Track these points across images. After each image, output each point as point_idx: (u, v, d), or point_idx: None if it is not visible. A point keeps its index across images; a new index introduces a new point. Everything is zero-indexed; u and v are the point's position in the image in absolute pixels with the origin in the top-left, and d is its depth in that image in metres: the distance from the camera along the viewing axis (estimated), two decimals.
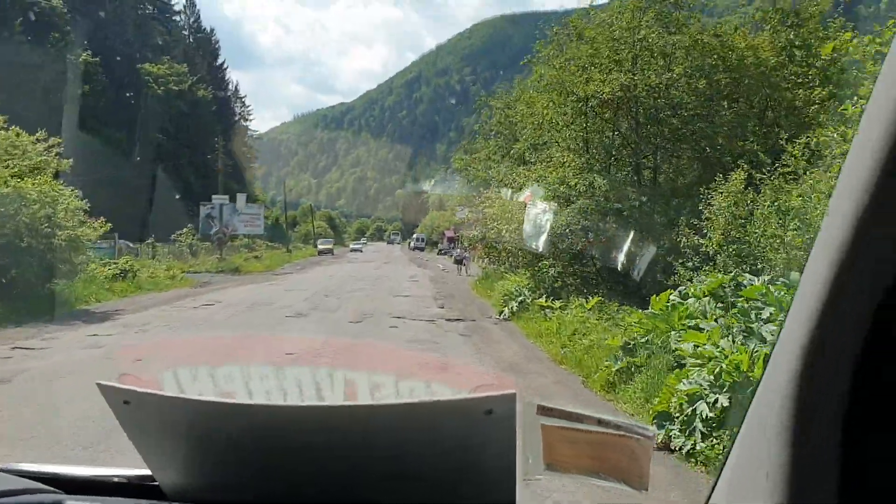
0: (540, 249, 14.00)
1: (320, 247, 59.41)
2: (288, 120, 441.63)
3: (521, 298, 14.96)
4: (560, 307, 13.04)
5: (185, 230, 40.41)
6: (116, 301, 18.73)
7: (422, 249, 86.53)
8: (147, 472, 1.21)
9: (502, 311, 15.03)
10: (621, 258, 12.17)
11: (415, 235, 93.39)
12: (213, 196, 51.46)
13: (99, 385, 1.10)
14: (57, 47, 52.10)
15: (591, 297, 12.64)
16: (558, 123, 15.45)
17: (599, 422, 0.98)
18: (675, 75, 13.11)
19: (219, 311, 15.77)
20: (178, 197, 48.11)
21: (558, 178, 14.10)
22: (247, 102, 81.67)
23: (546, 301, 13.48)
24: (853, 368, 0.71)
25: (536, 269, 15.58)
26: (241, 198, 53.98)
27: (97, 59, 57.87)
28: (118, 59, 62.40)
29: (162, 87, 62.60)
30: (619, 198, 13.21)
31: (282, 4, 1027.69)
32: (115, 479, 1.25)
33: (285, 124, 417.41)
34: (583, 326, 11.59)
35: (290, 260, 46.27)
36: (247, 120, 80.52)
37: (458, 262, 32.45)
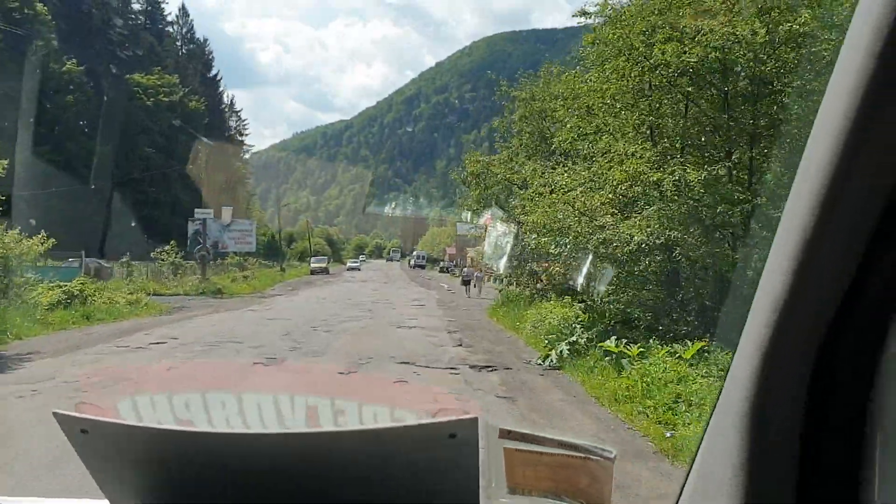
0: (604, 271, 10.08)
1: (313, 265, 53.94)
2: (287, 137, 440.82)
3: (572, 338, 11.02)
4: (638, 353, 9.15)
5: (167, 247, 36.66)
6: (48, 336, 14.79)
7: (423, 267, 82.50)
8: (105, 502, 1.17)
9: (547, 356, 11.05)
10: (736, 284, 8.26)
11: (415, 253, 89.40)
12: (197, 210, 47.80)
13: (55, 413, 1.05)
14: (38, 55, 48.40)
15: (688, 341, 8.75)
16: (615, 105, 11.65)
17: (560, 444, 0.98)
18: (796, 26, 9.26)
19: (165, 354, 11.78)
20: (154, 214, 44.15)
21: (627, 174, 10.25)
22: (242, 117, 77.93)
23: (616, 345, 9.54)
24: (809, 371, 0.75)
25: (589, 295, 11.70)
26: (226, 211, 50.26)
27: (82, 67, 54.59)
28: (105, 68, 59.08)
29: (151, 99, 59.41)
30: (719, 200, 9.34)
31: (282, 23, 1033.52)
32: None
33: (284, 141, 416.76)
34: (686, 389, 7.70)
35: (282, 279, 42.43)
36: (242, 135, 77.33)
37: (466, 282, 28.58)
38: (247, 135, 78.63)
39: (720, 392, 0.89)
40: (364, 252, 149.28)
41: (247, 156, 79.95)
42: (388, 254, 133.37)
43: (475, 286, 27.13)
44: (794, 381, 0.76)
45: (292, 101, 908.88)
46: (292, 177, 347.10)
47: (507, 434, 0.99)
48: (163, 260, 35.50)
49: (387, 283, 38.58)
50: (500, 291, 22.32)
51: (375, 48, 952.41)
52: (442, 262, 70.69)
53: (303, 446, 1.00)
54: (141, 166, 54.90)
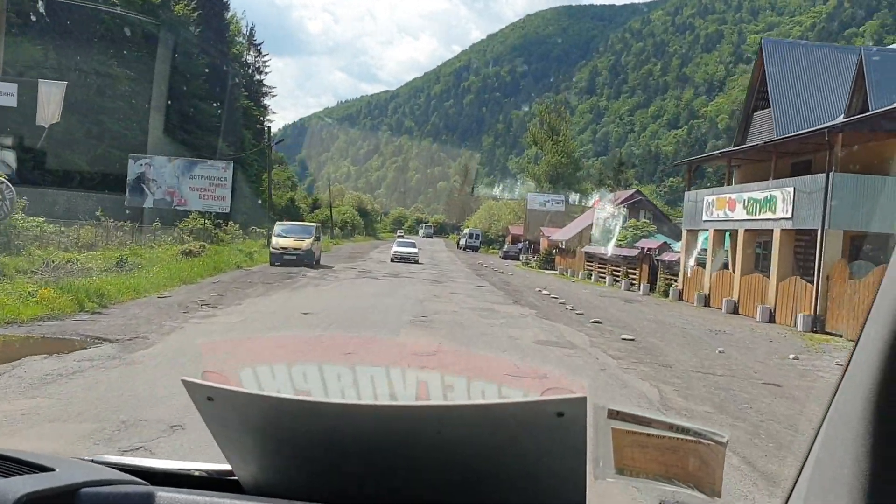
0: None
1: (277, 243, 27.49)
2: (331, 105, 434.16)
3: None
4: None
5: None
6: None
7: (476, 249, 71.63)
8: (225, 467, 1.23)
9: None
10: None
11: (467, 231, 76.88)
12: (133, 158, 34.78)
13: (184, 381, 1.10)
14: None
15: None
16: None
17: (670, 426, 0.97)
18: None
19: None
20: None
21: None
22: (263, 51, 68.30)
23: None
24: None
25: None
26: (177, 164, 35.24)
27: None
28: None
29: None
30: None
31: None
32: (196, 474, 1.26)
33: (328, 109, 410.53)
34: None
35: (234, 265, 25.01)
36: (261, 73, 68.07)
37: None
38: (267, 72, 69.22)
39: (840, 379, 0.85)
40: (403, 227, 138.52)
41: (267, 101, 69.69)
42: (425, 230, 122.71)
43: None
44: None
45: (338, 71, 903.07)
46: (335, 145, 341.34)
47: (615, 415, 0.97)
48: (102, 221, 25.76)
49: (439, 283, 23.64)
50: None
51: (424, 21, 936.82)
52: (507, 247, 60.36)
53: (413, 418, 1.03)
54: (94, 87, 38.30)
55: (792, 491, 0.97)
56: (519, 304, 18.11)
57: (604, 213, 37.20)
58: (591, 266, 35.49)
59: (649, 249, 28.19)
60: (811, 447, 0.93)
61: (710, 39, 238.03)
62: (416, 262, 35.24)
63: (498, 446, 1.01)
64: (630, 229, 32.03)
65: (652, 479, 0.99)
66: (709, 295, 22.32)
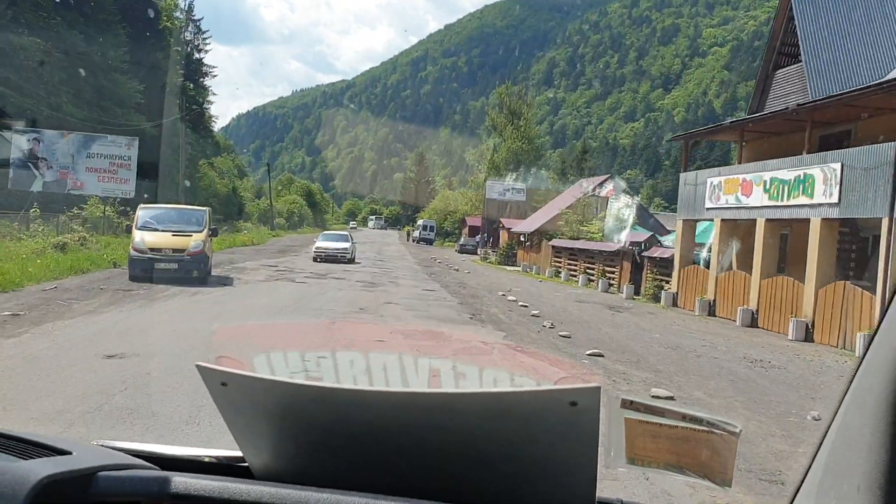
0: None
1: (140, 242, 16.17)
2: (286, 95, 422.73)
3: None
4: None
5: None
6: None
7: (430, 242, 66.09)
8: (236, 453, 1.22)
9: None
10: None
11: (420, 223, 70.60)
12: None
13: (198, 366, 1.09)
14: None
15: None
16: None
17: (683, 417, 0.97)
18: None
19: None
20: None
21: None
22: (203, 28, 62.02)
23: None
24: None
25: None
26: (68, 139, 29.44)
27: None
28: None
29: None
30: None
31: None
32: (206, 460, 1.26)
33: (283, 99, 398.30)
34: None
35: (110, 262, 19.12)
36: (200, 51, 61.68)
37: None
38: (207, 50, 62.84)
39: (855, 371, 0.85)
40: (355, 218, 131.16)
41: (208, 82, 63.37)
42: (375, 221, 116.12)
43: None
44: None
45: (294, 60, 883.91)
46: (289, 135, 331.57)
47: (628, 404, 0.98)
48: None
49: (375, 286, 18.56)
50: None
51: (380, 11, 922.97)
52: (463, 240, 54.85)
53: (425, 406, 1.03)
54: None
55: (799, 489, 0.96)
56: (479, 319, 13.13)
57: (584, 200, 32.53)
58: (560, 262, 30.89)
59: (633, 243, 23.63)
60: (819, 447, 0.92)
61: (666, 33, 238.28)
62: (351, 260, 27.05)
63: (509, 435, 1.00)
64: (612, 219, 27.42)
65: (663, 469, 0.99)
66: (714, 301, 17.86)
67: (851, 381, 0.86)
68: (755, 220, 16.48)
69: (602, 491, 1.06)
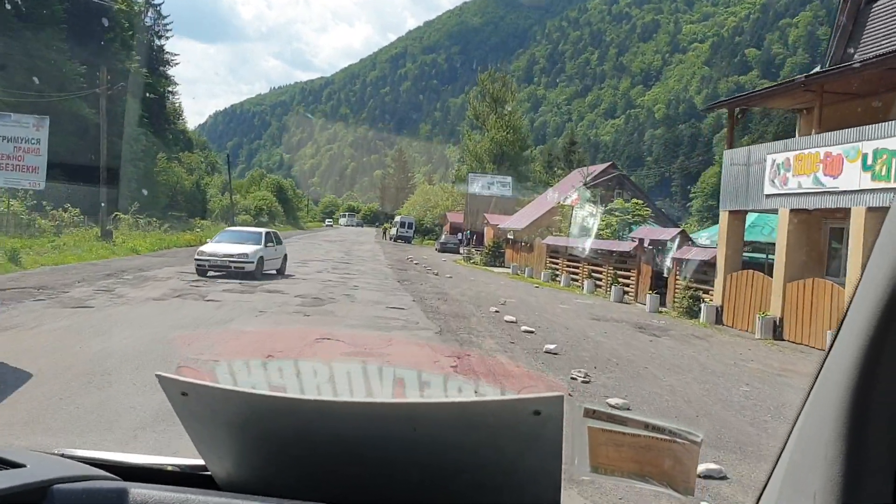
0: None
1: None
2: (264, 92, 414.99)
3: None
4: None
5: None
6: None
7: (409, 240, 61.42)
8: (199, 462, 1.21)
9: None
10: None
11: (398, 219, 65.15)
12: None
13: (158, 376, 1.08)
14: None
15: None
16: None
17: (646, 425, 0.98)
18: None
19: None
20: None
21: None
22: (164, 13, 56.85)
23: None
24: None
25: None
26: None
27: None
28: None
29: None
30: None
31: None
32: (169, 468, 1.24)
33: (261, 96, 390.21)
34: None
35: None
36: (161, 37, 56.41)
37: None
38: (169, 37, 57.59)
39: (814, 381, 0.84)
40: (332, 216, 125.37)
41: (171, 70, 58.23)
42: (347, 218, 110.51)
43: None
44: None
45: (271, 57, 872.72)
46: (267, 132, 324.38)
47: (591, 413, 0.98)
48: None
49: (322, 302, 13.50)
50: None
51: (358, 8, 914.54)
52: (444, 238, 49.44)
53: (389, 415, 1.02)
54: None
55: (762, 492, 0.97)
56: (470, 368, 8.30)
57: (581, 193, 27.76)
58: (557, 263, 26.24)
59: (653, 242, 18.98)
60: (782, 450, 0.92)
61: (646, 29, 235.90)
62: (260, 273, 17.94)
63: (474, 444, 1.00)
64: (617, 213, 22.67)
65: (627, 477, 0.99)
66: (781, 320, 13.28)
67: (810, 391, 0.83)
68: (847, 210, 11.91)
69: (566, 499, 0.84)
